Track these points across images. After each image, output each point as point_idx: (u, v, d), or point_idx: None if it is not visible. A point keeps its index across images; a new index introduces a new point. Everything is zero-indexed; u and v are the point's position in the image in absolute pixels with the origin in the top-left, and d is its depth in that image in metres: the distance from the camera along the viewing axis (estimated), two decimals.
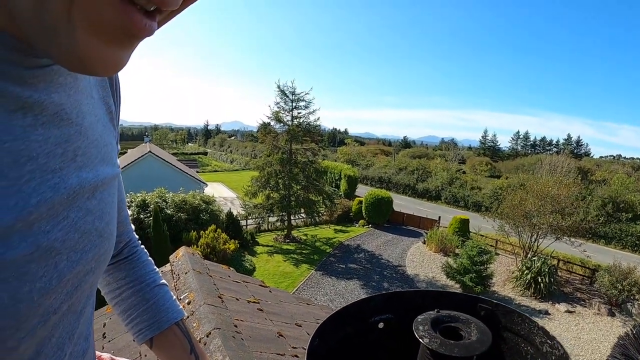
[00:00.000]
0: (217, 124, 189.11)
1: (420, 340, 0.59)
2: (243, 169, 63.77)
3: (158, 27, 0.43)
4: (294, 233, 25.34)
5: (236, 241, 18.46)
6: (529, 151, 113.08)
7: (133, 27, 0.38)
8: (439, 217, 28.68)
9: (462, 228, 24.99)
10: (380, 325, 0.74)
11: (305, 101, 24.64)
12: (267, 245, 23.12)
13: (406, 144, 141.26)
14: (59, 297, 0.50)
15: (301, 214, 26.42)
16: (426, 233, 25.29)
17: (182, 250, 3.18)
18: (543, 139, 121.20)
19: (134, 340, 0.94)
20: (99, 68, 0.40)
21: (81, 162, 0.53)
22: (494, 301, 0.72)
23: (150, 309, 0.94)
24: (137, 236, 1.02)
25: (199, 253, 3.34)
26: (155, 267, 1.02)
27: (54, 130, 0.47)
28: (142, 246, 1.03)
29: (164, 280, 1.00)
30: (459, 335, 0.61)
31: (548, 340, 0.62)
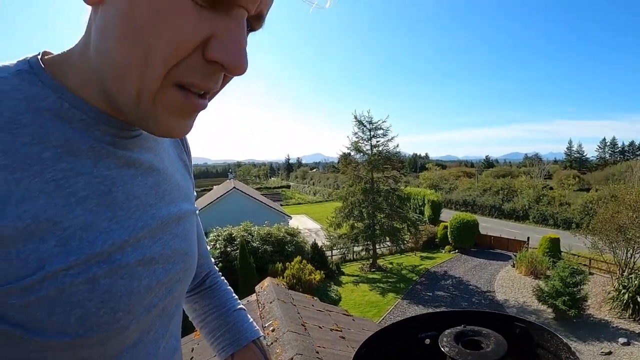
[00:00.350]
0: (298, 157, 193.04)
1: (442, 349, 0.70)
2: (326, 200, 64.40)
3: (209, 102, 0.63)
4: (380, 262, 25.06)
5: (322, 272, 18.61)
6: (618, 158, 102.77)
7: (192, 107, 0.59)
8: (528, 238, 27.10)
9: (553, 248, 23.33)
10: (427, 341, 0.85)
11: (383, 129, 24.77)
12: (353, 275, 23.06)
13: (489, 163, 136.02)
14: (157, 296, 0.71)
15: (386, 243, 26.08)
16: (515, 255, 23.99)
17: (267, 281, 3.36)
18: (632, 144, 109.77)
19: (216, 357, 1.14)
20: (175, 133, 0.61)
21: (168, 200, 0.77)
22: (528, 319, 0.80)
23: (231, 329, 1.12)
24: (216, 268, 1.22)
25: (285, 284, 3.51)
26: (234, 294, 1.20)
27: (149, 178, 0.73)
28: (222, 277, 1.22)
29: (242, 305, 1.18)
30: (480, 347, 0.72)
31: (571, 356, 0.71)
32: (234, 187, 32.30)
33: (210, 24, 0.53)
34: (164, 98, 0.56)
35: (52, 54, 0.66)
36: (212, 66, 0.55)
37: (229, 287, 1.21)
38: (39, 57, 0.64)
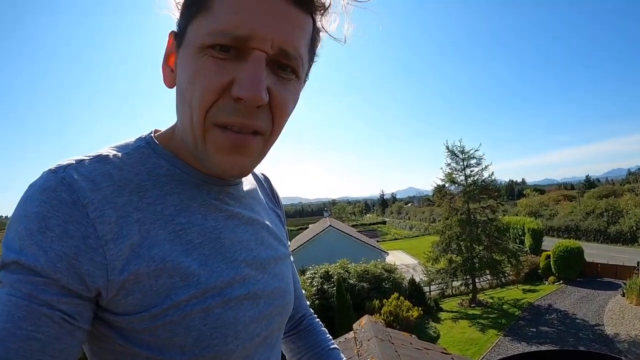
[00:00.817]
0: (392, 193, 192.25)
1: None
2: (423, 235, 63.02)
3: (269, 144, 0.76)
4: (479, 296, 23.77)
5: (419, 308, 18.09)
6: None
7: (233, 142, 0.70)
8: (638, 263, 24.45)
9: None
10: None
11: (476, 158, 23.92)
12: (452, 311, 22.07)
13: (589, 183, 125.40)
14: (259, 326, 0.82)
15: (486, 276, 24.68)
16: (625, 283, 21.40)
17: (365, 319, 3.35)
18: None
19: None
20: (229, 169, 0.74)
21: (266, 245, 0.91)
22: (618, 357, 0.76)
23: None
24: (312, 310, 1.30)
25: (382, 321, 3.48)
26: (328, 335, 1.26)
27: (249, 227, 0.88)
28: (318, 319, 1.29)
29: (335, 345, 1.23)
30: None
31: None
32: (330, 225, 32.51)
33: (230, 71, 0.67)
34: (210, 137, 0.70)
35: (160, 130, 0.86)
36: (239, 103, 0.67)
37: (324, 329, 1.27)
38: (152, 134, 0.83)
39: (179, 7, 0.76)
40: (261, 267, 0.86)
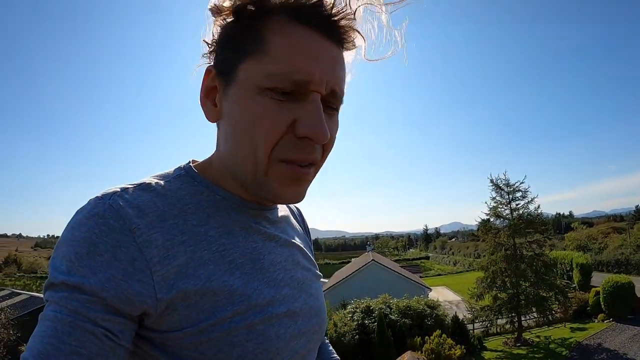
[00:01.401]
0: (436, 227, 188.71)
1: None
2: (467, 270, 61.43)
3: (316, 171, 0.84)
4: (525, 335, 22.71)
5: (462, 346, 17.50)
6: None
7: (297, 176, 0.78)
8: None
9: None
10: None
11: (522, 191, 23.24)
12: (496, 350, 21.07)
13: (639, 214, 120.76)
14: (298, 343, 0.86)
15: (532, 314, 23.58)
16: None
17: (407, 355, 3.34)
18: None
19: None
20: (288, 198, 0.81)
21: (302, 265, 0.97)
22: None
23: None
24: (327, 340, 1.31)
25: (424, 358, 3.44)
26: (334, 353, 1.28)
27: (286, 249, 0.93)
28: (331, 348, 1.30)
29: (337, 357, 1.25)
30: None
31: None
32: (373, 260, 32.16)
33: (292, 112, 0.73)
34: (273, 171, 0.76)
35: (197, 161, 0.92)
36: (303, 141, 0.74)
37: (332, 349, 1.29)
38: (190, 163, 0.88)
39: (212, 44, 0.83)
40: (298, 287, 0.91)
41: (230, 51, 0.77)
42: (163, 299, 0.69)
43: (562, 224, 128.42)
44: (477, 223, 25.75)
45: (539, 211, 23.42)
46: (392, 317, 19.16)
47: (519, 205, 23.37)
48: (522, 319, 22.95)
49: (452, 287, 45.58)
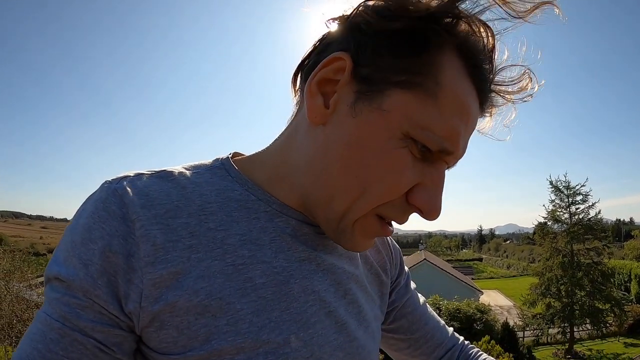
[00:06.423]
0: (491, 228, 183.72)
1: None
2: (521, 275, 59.20)
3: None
4: (576, 347, 21.71)
5: (510, 355, 16.97)
6: None
7: (384, 233, 0.67)
8: None
9: None
10: None
11: (582, 194, 22.48)
12: None
13: None
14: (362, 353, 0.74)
15: (585, 325, 22.74)
16: None
17: None
18: None
19: None
20: (360, 249, 0.69)
21: (350, 300, 0.75)
22: None
23: None
24: (462, 339, 1.11)
25: None
26: None
27: (329, 276, 0.72)
28: (476, 349, 1.09)
29: None
30: None
31: None
32: (425, 259, 31.74)
33: (421, 174, 0.61)
34: (364, 223, 0.64)
35: (242, 154, 0.78)
36: (410, 207, 0.64)
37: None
38: (230, 156, 0.74)
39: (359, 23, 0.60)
40: (336, 327, 0.71)
41: (390, 64, 0.59)
42: (147, 309, 0.58)
43: (622, 231, 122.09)
44: (533, 226, 25.07)
45: (600, 217, 22.44)
46: (442, 319, 18.93)
47: (578, 210, 22.61)
48: (575, 329, 22.13)
49: (504, 292, 44.35)
